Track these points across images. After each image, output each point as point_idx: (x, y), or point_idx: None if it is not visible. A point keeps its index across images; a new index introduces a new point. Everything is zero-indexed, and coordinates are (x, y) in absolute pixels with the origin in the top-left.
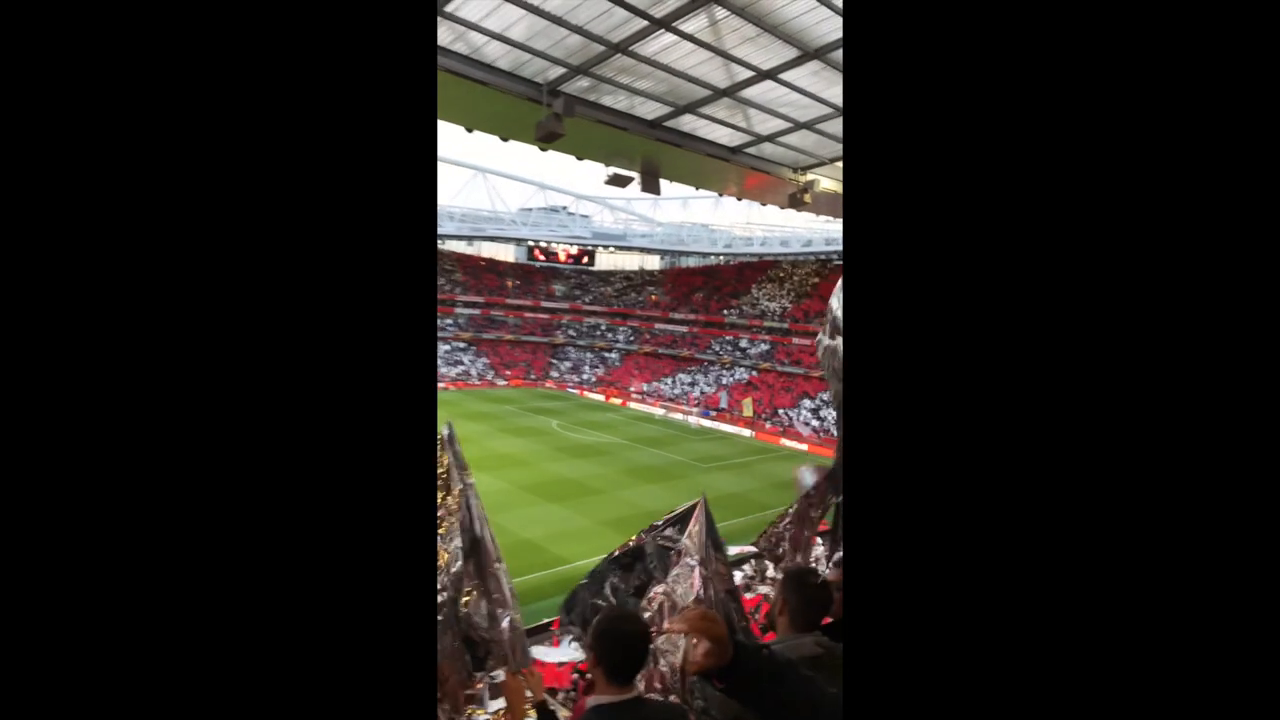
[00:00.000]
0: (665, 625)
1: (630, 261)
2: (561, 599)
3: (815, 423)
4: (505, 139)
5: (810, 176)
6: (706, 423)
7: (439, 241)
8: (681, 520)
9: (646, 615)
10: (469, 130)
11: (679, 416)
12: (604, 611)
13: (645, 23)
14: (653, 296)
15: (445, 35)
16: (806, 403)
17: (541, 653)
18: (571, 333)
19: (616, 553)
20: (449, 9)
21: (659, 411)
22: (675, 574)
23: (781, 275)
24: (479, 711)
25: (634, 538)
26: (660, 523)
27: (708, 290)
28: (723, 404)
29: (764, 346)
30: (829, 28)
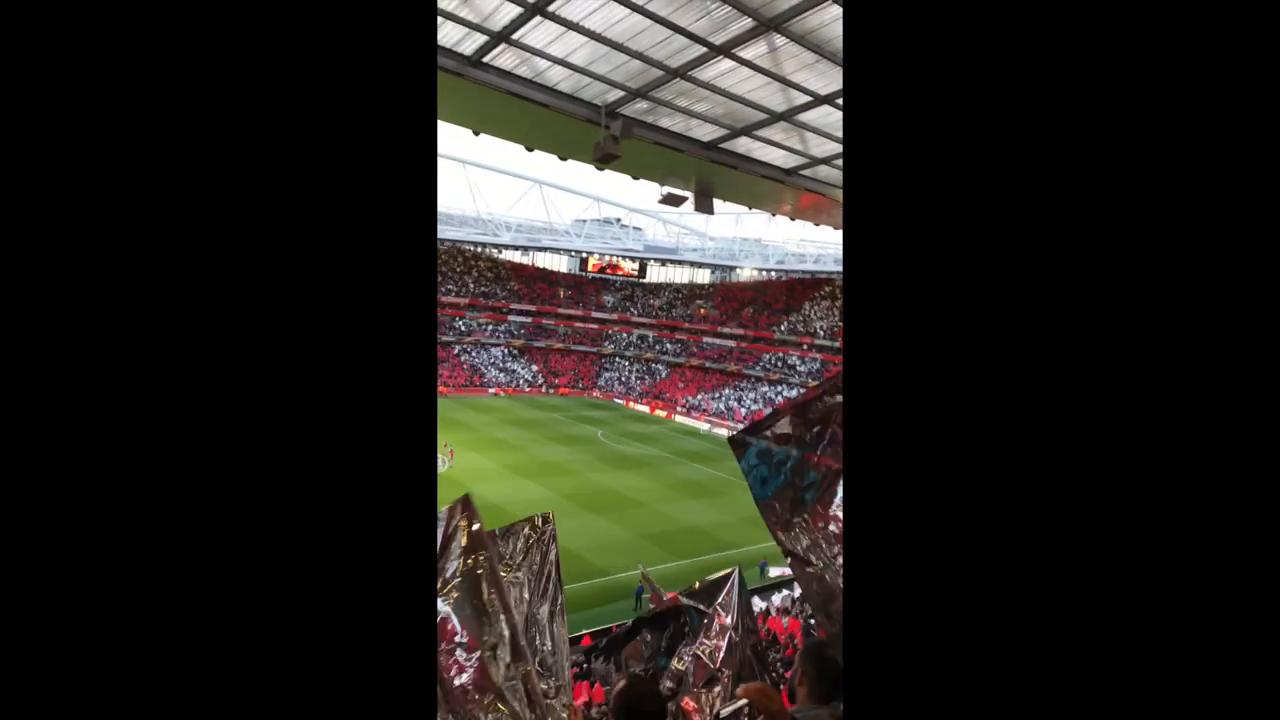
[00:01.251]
0: (733, 693)
1: (680, 275)
2: (600, 610)
3: None
4: (564, 158)
5: None
6: None
7: (496, 251)
8: (716, 587)
9: (679, 668)
10: (529, 149)
11: (724, 432)
12: (629, 684)
13: (704, 49)
14: (701, 310)
15: (510, 60)
16: None
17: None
18: (620, 343)
19: (652, 608)
20: (515, 36)
21: (704, 426)
22: (707, 636)
23: (834, 293)
24: None
25: (669, 596)
26: (696, 587)
27: (758, 306)
28: None
29: (814, 364)
30: None
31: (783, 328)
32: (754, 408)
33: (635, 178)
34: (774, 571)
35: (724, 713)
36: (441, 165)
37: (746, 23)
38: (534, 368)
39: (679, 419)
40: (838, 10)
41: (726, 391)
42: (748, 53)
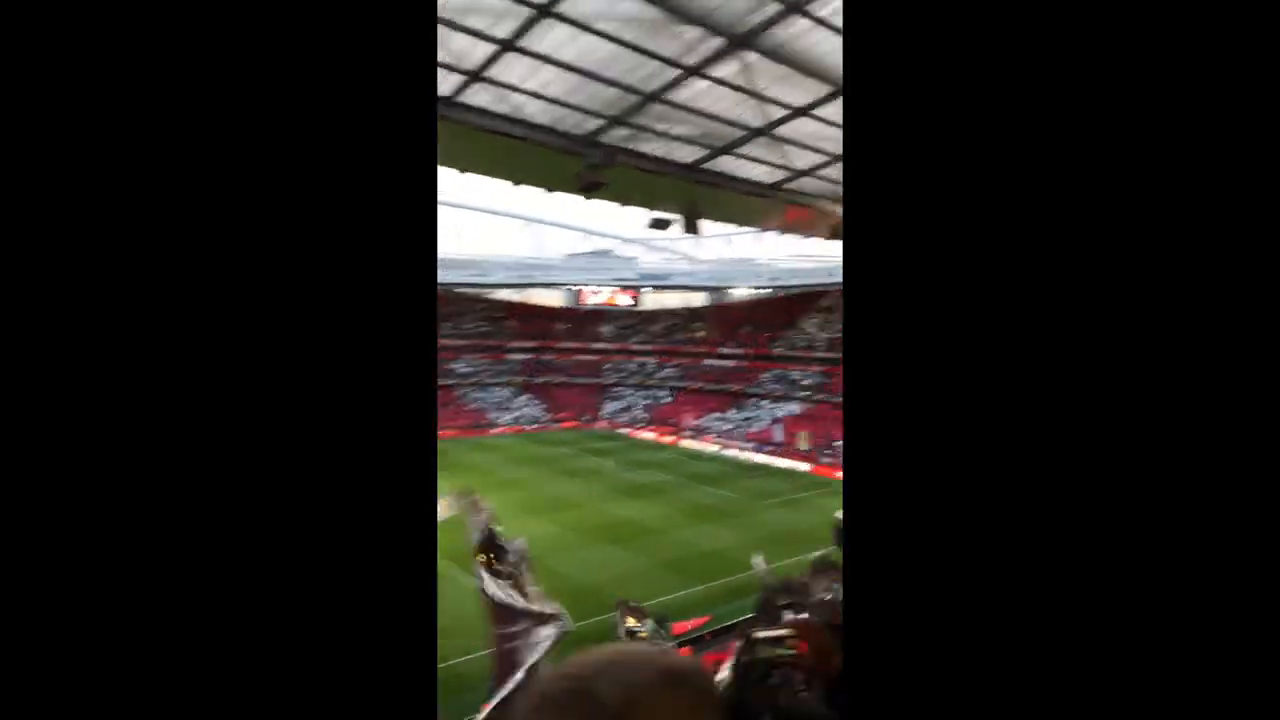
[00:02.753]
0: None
1: (676, 300)
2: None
3: None
4: (550, 190)
5: None
6: (761, 458)
7: (490, 291)
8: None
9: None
10: (515, 184)
11: (732, 453)
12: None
13: (678, 71)
14: (700, 333)
15: (487, 98)
16: None
17: None
18: (621, 373)
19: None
20: (489, 74)
21: (712, 448)
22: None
23: (830, 305)
24: None
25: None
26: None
27: (755, 324)
28: (776, 438)
29: (817, 378)
30: None
31: (781, 344)
32: (760, 425)
33: (623, 204)
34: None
35: (763, 635)
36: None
37: (717, 42)
38: (537, 404)
39: (686, 443)
40: (806, 23)
41: (732, 412)
42: (720, 71)
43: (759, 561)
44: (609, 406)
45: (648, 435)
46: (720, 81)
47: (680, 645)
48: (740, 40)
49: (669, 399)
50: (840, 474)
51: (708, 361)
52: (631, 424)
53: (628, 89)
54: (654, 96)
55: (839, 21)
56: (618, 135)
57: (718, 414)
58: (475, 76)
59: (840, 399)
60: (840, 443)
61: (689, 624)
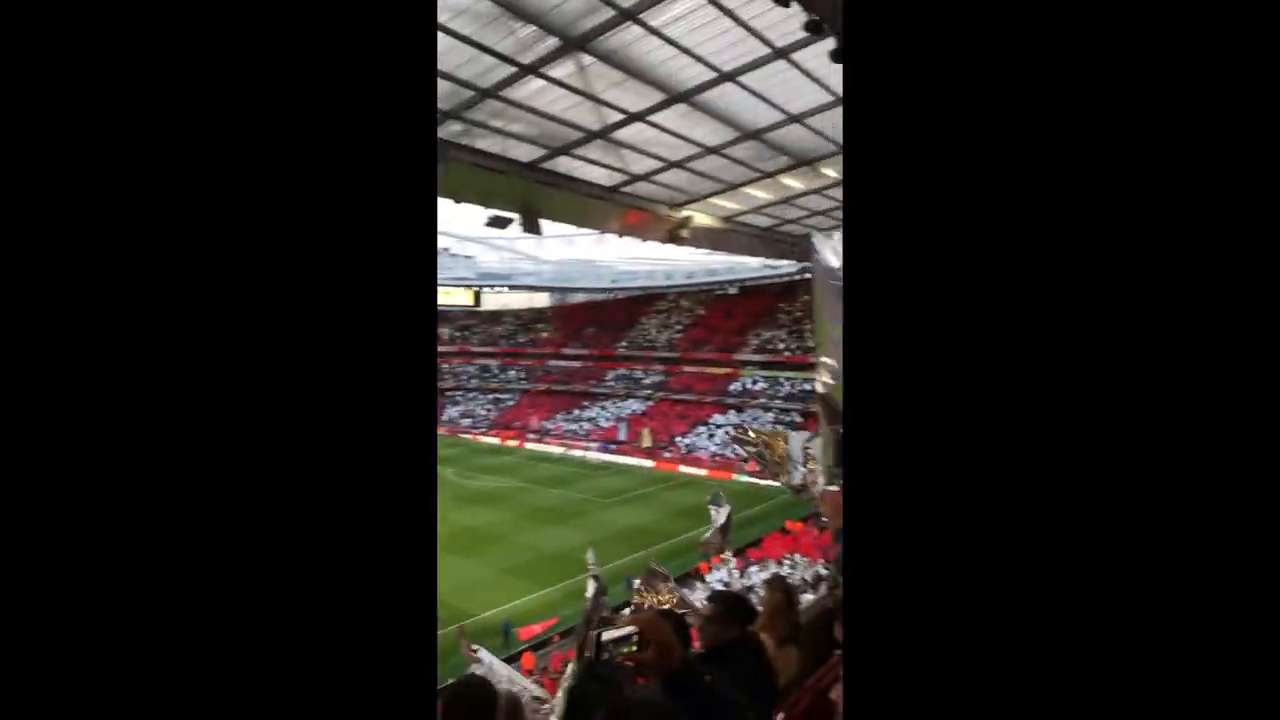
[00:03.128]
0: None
1: (517, 300)
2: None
3: (713, 447)
4: None
5: (686, 212)
6: (606, 457)
7: None
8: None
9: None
10: None
11: (578, 453)
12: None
13: (513, 68)
14: (544, 334)
15: None
16: (701, 429)
17: None
18: (461, 376)
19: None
20: None
21: (557, 450)
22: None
23: (669, 307)
24: None
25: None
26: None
27: (598, 325)
28: (621, 436)
29: (657, 377)
30: (693, 73)
31: (623, 344)
32: (605, 424)
33: (457, 201)
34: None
35: (608, 636)
36: None
37: (553, 42)
38: None
39: (531, 446)
40: (640, 30)
41: (576, 412)
42: (557, 72)
43: (590, 558)
44: (448, 412)
45: (491, 440)
46: (557, 82)
47: (527, 649)
48: (576, 42)
49: (513, 402)
50: (680, 468)
51: (553, 363)
52: (473, 429)
53: (461, 83)
54: (489, 93)
55: (671, 32)
56: (451, 130)
57: (562, 415)
58: None
59: (680, 396)
60: (680, 438)
61: (537, 628)
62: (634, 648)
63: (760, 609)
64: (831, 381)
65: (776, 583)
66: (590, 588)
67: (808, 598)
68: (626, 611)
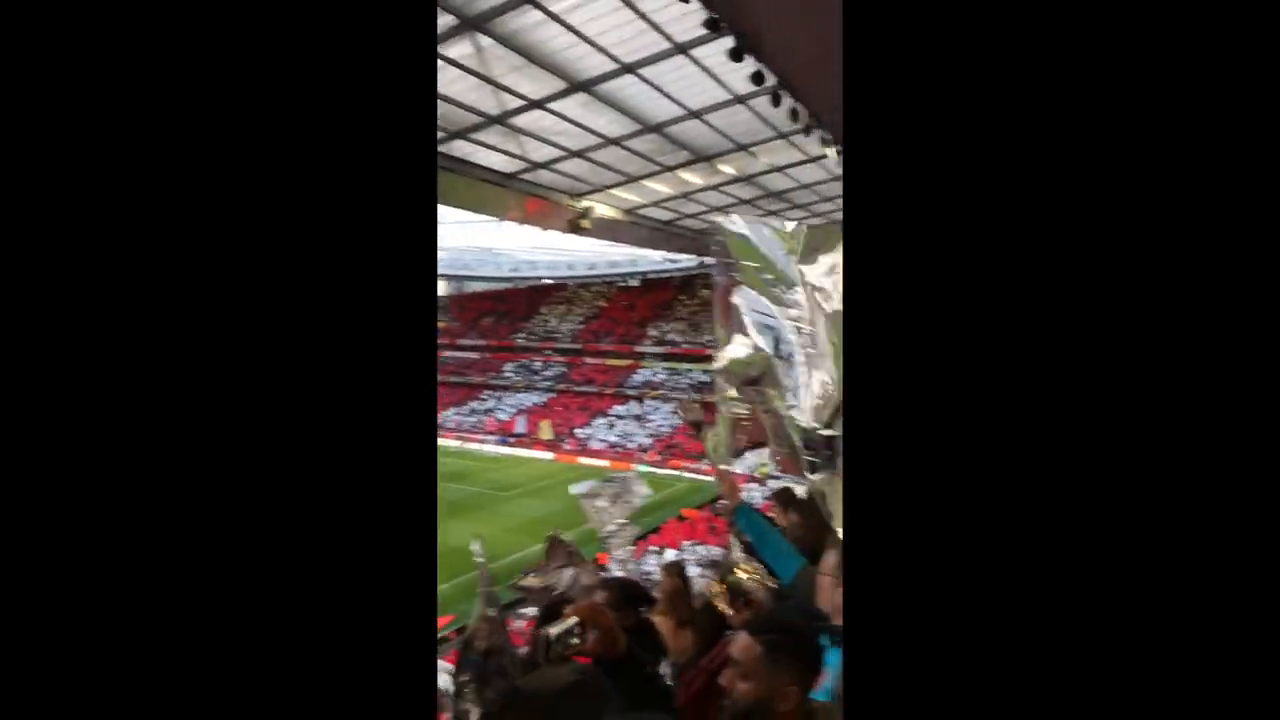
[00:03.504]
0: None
1: None
2: None
3: (613, 438)
4: None
5: (587, 203)
6: (505, 449)
7: None
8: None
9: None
10: None
11: (475, 446)
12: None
13: None
14: (440, 323)
15: None
16: (601, 420)
17: None
18: None
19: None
20: None
21: (454, 443)
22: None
23: (569, 298)
24: None
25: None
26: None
27: (497, 315)
28: (519, 429)
29: (558, 369)
30: (594, 62)
31: (522, 335)
32: (503, 417)
33: None
34: None
35: (554, 632)
36: None
37: (448, 20)
38: None
39: None
40: (539, 15)
41: (474, 404)
42: (453, 51)
43: (477, 547)
44: None
45: None
46: (453, 62)
47: None
48: (472, 22)
49: None
50: (580, 459)
51: (448, 354)
52: None
53: None
54: None
55: (572, 19)
56: None
57: (458, 407)
58: None
59: (581, 388)
60: (579, 429)
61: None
62: (576, 640)
63: (657, 594)
64: (732, 356)
65: (673, 568)
66: (481, 581)
67: (701, 581)
68: (531, 578)
